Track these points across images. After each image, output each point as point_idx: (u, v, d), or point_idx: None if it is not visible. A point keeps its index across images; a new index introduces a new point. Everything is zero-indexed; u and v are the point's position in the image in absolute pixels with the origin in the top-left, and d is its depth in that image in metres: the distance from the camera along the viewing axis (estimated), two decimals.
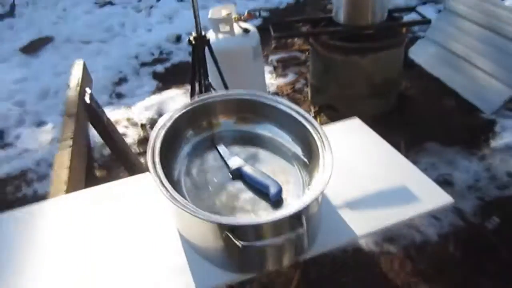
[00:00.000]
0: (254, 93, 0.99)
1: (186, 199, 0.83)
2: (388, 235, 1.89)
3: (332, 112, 2.55)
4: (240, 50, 2.21)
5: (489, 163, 2.19)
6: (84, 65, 1.68)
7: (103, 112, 1.54)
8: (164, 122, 0.91)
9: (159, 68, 3.34)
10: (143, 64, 3.40)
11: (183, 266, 0.80)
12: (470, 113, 2.51)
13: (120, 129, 2.71)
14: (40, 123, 2.90)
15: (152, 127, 2.82)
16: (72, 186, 1.07)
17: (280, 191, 0.82)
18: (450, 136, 2.38)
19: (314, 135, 0.86)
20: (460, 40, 2.70)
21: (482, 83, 2.53)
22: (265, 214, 0.80)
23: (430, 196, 0.91)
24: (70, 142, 1.20)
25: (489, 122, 2.43)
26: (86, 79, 1.59)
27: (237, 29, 2.22)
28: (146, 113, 2.83)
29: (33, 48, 3.61)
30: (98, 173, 1.69)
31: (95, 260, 0.84)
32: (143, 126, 2.72)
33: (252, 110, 1.00)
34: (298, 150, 0.93)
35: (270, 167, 0.91)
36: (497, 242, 1.80)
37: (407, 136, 2.41)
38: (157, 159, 0.80)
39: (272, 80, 3.03)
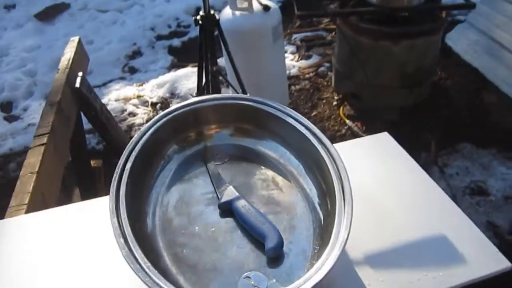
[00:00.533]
0: (258, 100, 0.76)
1: (160, 254, 0.62)
2: None
3: (356, 101, 2.29)
4: (259, 30, 1.95)
5: None
6: (80, 42, 1.47)
7: (96, 97, 1.34)
8: (137, 139, 0.70)
9: (176, 42, 3.10)
10: (159, 37, 3.17)
11: None
12: (511, 111, 2.22)
13: (129, 107, 2.52)
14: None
15: (162, 108, 2.64)
16: (39, 197, 0.88)
17: (279, 245, 0.60)
18: (487, 137, 2.10)
19: (331, 169, 0.63)
20: (506, 28, 2.36)
21: None
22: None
23: (481, 255, 0.67)
24: (44, 139, 1.00)
25: None
26: (80, 59, 1.39)
27: (256, 5, 1.96)
28: (158, 91, 2.62)
29: (48, 14, 3.41)
30: (93, 162, 1.51)
31: None
32: (153, 105, 2.51)
33: (254, 120, 0.77)
34: (308, 182, 0.70)
35: (270, 203, 0.69)
36: None
37: (438, 134, 2.14)
38: (123, 212, 0.59)
39: (294, 62, 2.77)
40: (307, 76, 2.63)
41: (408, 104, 2.25)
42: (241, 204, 0.66)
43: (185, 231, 0.66)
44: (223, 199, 0.68)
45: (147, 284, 0.50)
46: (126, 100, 2.57)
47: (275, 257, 0.61)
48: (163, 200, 0.70)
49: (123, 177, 0.65)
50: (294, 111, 0.74)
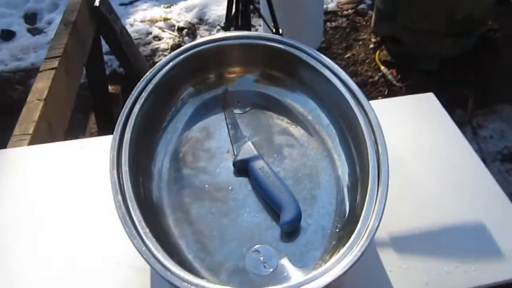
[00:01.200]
0: (291, 42, 0.65)
1: (162, 214, 0.55)
2: None
3: (396, 45, 2.11)
4: None
5: None
6: None
7: (117, 19, 1.23)
8: (150, 77, 0.60)
9: None
10: None
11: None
12: None
13: (155, 30, 2.39)
14: None
15: (189, 34, 2.50)
16: (45, 127, 0.81)
17: (296, 220, 0.52)
18: None
19: (367, 139, 0.53)
20: None
21: None
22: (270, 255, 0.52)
23: None
24: (56, 63, 0.91)
25: None
26: None
27: None
28: (186, 15, 2.47)
29: None
30: (111, 88, 1.43)
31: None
32: (180, 30, 2.38)
33: (284, 67, 0.66)
34: (337, 147, 0.61)
35: (292, 167, 0.60)
36: None
37: (478, 90, 1.97)
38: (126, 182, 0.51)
39: None
40: (345, 12, 2.42)
41: (451, 55, 2.06)
42: (259, 165, 0.58)
43: (194, 188, 0.58)
44: (239, 157, 0.60)
45: (142, 255, 0.44)
46: (152, 22, 2.44)
47: (291, 232, 0.53)
48: (174, 150, 0.62)
49: (129, 121, 0.56)
50: (332, 62, 0.63)
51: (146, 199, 0.54)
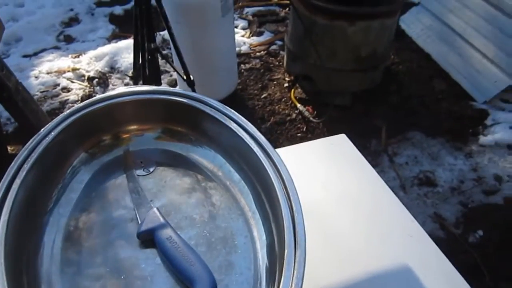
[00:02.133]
0: (192, 95, 0.61)
1: None
2: None
3: (308, 84, 2.17)
4: (206, 1, 1.76)
5: (476, 162, 1.90)
6: None
7: (11, 75, 1.12)
8: (32, 146, 0.53)
9: (118, 10, 2.83)
10: (100, 3, 2.88)
11: None
12: (461, 99, 2.18)
13: (63, 81, 2.26)
14: None
15: (100, 83, 2.39)
16: None
17: None
18: (437, 125, 2.06)
19: (280, 196, 0.49)
20: (459, 13, 2.31)
21: (478, 67, 2.18)
22: None
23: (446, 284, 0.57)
24: None
25: (480, 112, 2.11)
26: None
27: None
28: (96, 64, 2.37)
29: None
30: (11, 149, 1.30)
31: None
32: (90, 80, 2.27)
33: (187, 121, 0.62)
34: (251, 203, 0.56)
35: (204, 231, 0.54)
36: (481, 262, 1.53)
37: (390, 120, 2.08)
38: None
39: (245, 38, 2.60)
40: (258, 54, 2.47)
41: (361, 89, 2.16)
42: (166, 234, 0.52)
43: (92, 271, 0.50)
44: (144, 227, 0.53)
45: None
46: (60, 73, 2.31)
47: None
48: (67, 226, 0.54)
49: (7, 201, 0.48)
50: (236, 113, 0.60)
51: None
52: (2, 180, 0.50)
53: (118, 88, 0.58)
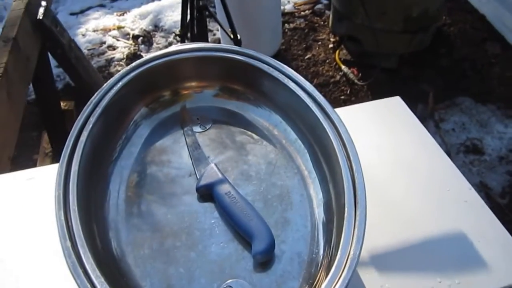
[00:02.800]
0: (251, 54, 0.60)
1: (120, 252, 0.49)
2: None
3: (354, 45, 2.11)
4: None
5: None
6: None
7: (64, 31, 1.15)
8: (97, 100, 0.54)
9: None
10: None
11: None
12: None
13: (109, 39, 2.29)
14: None
15: (144, 42, 2.41)
16: None
17: (269, 249, 0.48)
18: (487, 91, 1.97)
19: (339, 155, 0.49)
20: None
21: None
22: None
23: (507, 261, 0.56)
24: None
25: None
26: None
27: None
28: (140, 22, 2.39)
29: None
30: (63, 104, 1.35)
31: None
32: (135, 38, 2.29)
33: (246, 79, 0.62)
34: (307, 162, 0.57)
35: (261, 188, 0.55)
36: None
37: (438, 84, 2.00)
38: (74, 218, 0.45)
39: None
40: (302, 13, 2.41)
41: (409, 51, 2.08)
42: (225, 189, 0.53)
43: (154, 220, 0.52)
44: (203, 181, 0.55)
45: None
46: (105, 31, 2.34)
47: (264, 262, 0.48)
48: (130, 178, 0.57)
49: (76, 151, 0.50)
50: (295, 72, 0.59)
51: (101, 239, 0.48)
52: (71, 133, 0.53)
53: (177, 45, 0.58)
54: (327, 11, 2.39)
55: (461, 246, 0.57)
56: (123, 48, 2.24)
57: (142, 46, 2.24)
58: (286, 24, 2.32)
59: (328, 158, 0.52)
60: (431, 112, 1.92)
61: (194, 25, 1.23)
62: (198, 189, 0.55)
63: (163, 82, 0.61)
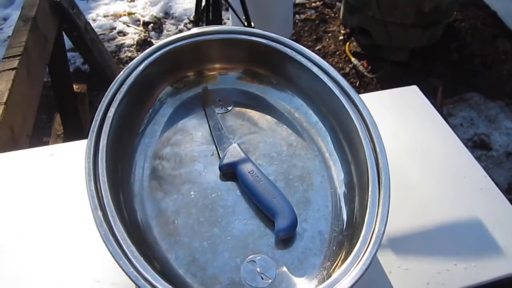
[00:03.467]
0: (275, 37, 0.61)
1: (144, 225, 0.50)
2: None
3: (365, 37, 2.11)
4: None
5: None
6: None
7: (80, 14, 1.16)
8: (124, 77, 0.55)
9: None
10: None
11: None
12: None
13: (119, 25, 2.30)
14: None
15: (155, 29, 2.41)
16: (7, 132, 0.74)
17: (292, 226, 0.49)
18: (497, 87, 1.97)
19: (363, 138, 0.50)
20: None
21: None
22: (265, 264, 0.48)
23: None
24: (15, 63, 0.84)
25: None
26: None
27: None
28: (151, 9, 2.39)
29: None
30: (76, 87, 1.36)
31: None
32: (145, 25, 2.29)
33: (269, 63, 0.63)
34: (329, 144, 0.58)
35: (282, 169, 0.57)
36: None
37: (447, 79, 2.00)
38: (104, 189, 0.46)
39: None
40: (313, 4, 2.40)
41: (419, 45, 2.08)
42: (248, 168, 0.54)
43: (178, 196, 0.54)
44: (226, 160, 0.56)
45: (130, 277, 0.39)
46: (116, 16, 2.34)
47: (286, 239, 0.50)
48: (154, 155, 0.58)
49: (104, 126, 0.51)
50: (318, 57, 0.60)
51: (128, 211, 0.49)
52: (99, 108, 0.53)
53: (204, 26, 0.59)
54: (338, 3, 2.38)
55: (476, 232, 0.58)
56: (133, 34, 2.24)
57: (153, 33, 2.25)
58: (297, 15, 2.32)
59: (351, 141, 0.53)
60: (440, 106, 1.92)
61: (209, 12, 1.23)
62: (221, 168, 0.56)
63: (187, 62, 0.62)
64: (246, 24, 1.35)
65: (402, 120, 0.74)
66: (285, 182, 0.55)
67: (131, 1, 2.44)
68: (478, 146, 1.78)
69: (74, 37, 1.14)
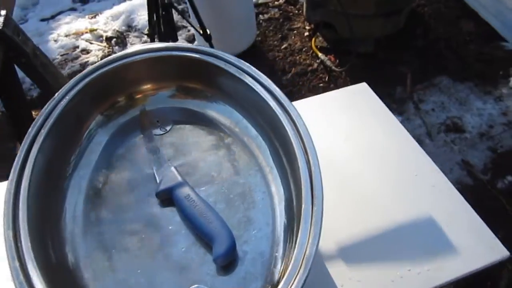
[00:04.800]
0: (206, 50, 0.59)
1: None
2: None
3: (329, 32, 2.09)
4: None
5: (507, 106, 1.82)
6: None
7: (27, 40, 1.12)
8: (46, 113, 0.52)
9: None
10: None
11: None
12: (490, 41, 2.07)
13: (82, 43, 2.25)
14: None
15: (118, 43, 2.37)
16: None
17: (229, 252, 0.46)
18: (464, 69, 1.97)
19: (297, 149, 0.48)
20: None
21: (510, 4, 2.05)
22: None
23: (475, 244, 0.55)
24: None
25: (511, 54, 2.00)
26: None
27: None
28: (113, 23, 2.34)
29: None
30: (35, 113, 1.32)
31: None
32: (108, 40, 2.25)
33: (202, 77, 0.60)
34: (268, 159, 0.55)
35: (223, 188, 0.54)
36: (509, 207, 1.50)
37: (415, 66, 2.00)
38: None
39: None
40: (276, 3, 2.38)
41: (384, 35, 2.07)
42: (184, 193, 0.52)
43: (114, 229, 0.51)
44: (162, 186, 0.53)
45: None
46: (78, 34, 2.30)
47: (227, 264, 0.47)
48: (89, 188, 0.55)
49: (27, 166, 0.48)
50: (251, 67, 0.57)
51: (57, 254, 0.47)
52: (21, 147, 0.51)
53: (129, 47, 0.56)
54: None
55: (430, 232, 0.56)
56: (97, 51, 2.20)
57: (116, 47, 2.21)
58: (260, 15, 2.30)
59: (288, 153, 0.51)
60: (410, 93, 1.91)
61: (160, 24, 1.21)
62: (157, 194, 0.53)
63: (116, 87, 0.59)
64: (201, 32, 1.32)
65: (353, 120, 0.72)
66: (226, 202, 0.53)
67: (92, 18, 2.40)
68: (451, 130, 1.78)
69: (22, 64, 1.10)
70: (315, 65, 2.05)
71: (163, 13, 1.19)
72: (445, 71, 1.96)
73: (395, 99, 1.90)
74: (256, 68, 0.56)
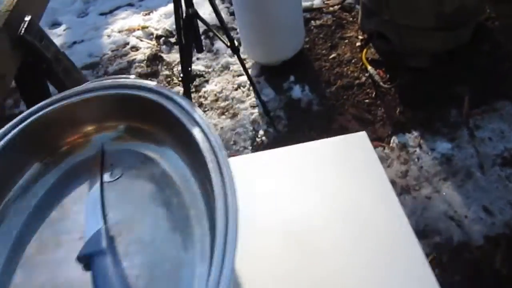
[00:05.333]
0: (146, 85, 0.52)
1: None
2: (421, 226, 1.43)
3: (383, 43, 1.93)
4: None
5: None
6: None
7: (50, 45, 1.11)
8: None
9: None
10: None
11: None
12: None
13: (132, 40, 2.27)
14: (53, 24, 2.52)
15: (166, 43, 2.36)
16: None
17: None
18: None
19: (217, 207, 0.39)
20: None
21: None
22: None
23: None
24: None
25: None
26: None
27: None
28: (165, 21, 2.34)
29: None
30: None
31: None
32: (158, 39, 2.25)
33: (147, 116, 0.53)
34: (204, 227, 0.47)
35: (151, 260, 0.47)
36: None
37: (474, 87, 1.79)
38: None
39: None
40: (331, 9, 2.25)
41: (444, 49, 1.87)
42: (102, 264, 0.45)
43: None
44: (83, 250, 0.47)
45: None
46: (130, 31, 2.33)
47: None
48: (18, 238, 0.50)
49: None
50: (202, 115, 0.49)
51: None
52: None
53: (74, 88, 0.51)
54: (357, 6, 2.21)
55: None
56: (145, 49, 2.21)
57: (164, 46, 2.20)
58: (312, 21, 2.18)
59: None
60: (465, 118, 1.71)
61: (182, 34, 1.15)
62: (79, 259, 0.47)
63: (57, 131, 0.53)
64: (229, 44, 1.25)
65: (344, 175, 0.62)
66: (149, 279, 0.45)
67: (146, 15, 2.42)
68: (508, 164, 1.57)
69: (42, 70, 1.10)
70: (363, 78, 1.91)
71: (185, 23, 1.14)
72: (508, 96, 1.73)
73: (447, 123, 1.71)
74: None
